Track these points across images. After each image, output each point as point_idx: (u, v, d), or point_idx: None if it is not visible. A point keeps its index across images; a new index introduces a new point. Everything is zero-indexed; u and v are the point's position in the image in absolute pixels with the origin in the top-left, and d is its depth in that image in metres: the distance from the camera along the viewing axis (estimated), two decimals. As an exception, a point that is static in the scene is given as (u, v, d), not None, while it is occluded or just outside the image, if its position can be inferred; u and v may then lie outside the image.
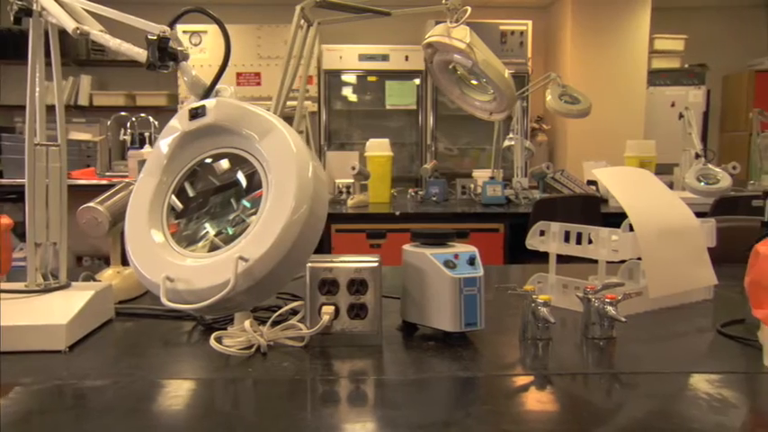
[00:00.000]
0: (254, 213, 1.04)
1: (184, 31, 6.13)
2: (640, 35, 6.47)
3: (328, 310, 1.08)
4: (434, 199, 3.98)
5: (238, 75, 6.26)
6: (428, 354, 1.08)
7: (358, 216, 3.64)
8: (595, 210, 3.47)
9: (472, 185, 4.13)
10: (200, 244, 1.09)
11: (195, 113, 1.10)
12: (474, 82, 1.65)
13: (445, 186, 4.07)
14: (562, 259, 1.38)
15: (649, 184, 1.44)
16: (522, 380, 0.98)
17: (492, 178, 4.13)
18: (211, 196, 1.15)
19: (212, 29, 6.19)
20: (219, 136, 1.11)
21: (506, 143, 4.23)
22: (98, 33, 1.14)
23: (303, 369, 1.01)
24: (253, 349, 1.07)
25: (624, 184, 1.39)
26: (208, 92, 1.10)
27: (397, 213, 3.58)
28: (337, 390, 0.94)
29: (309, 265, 1.09)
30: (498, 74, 1.50)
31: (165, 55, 1.11)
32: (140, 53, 1.11)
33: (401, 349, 1.11)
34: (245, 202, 1.09)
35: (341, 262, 1.10)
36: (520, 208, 3.73)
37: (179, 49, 1.11)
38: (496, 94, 1.57)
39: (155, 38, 1.10)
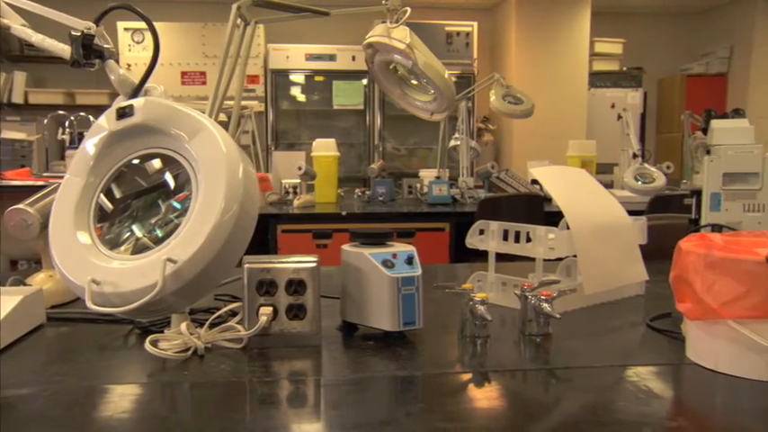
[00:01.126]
0: (184, 214, 1.03)
1: (126, 29, 5.99)
2: (581, 38, 6.63)
3: (266, 311, 1.07)
4: (381, 199, 3.99)
5: (183, 74, 6.16)
6: (367, 353, 1.08)
7: (304, 216, 3.62)
8: (539, 208, 3.53)
9: (419, 185, 4.16)
10: (124, 247, 1.07)
11: (123, 113, 1.08)
12: (414, 82, 1.66)
13: (392, 186, 4.09)
14: (507, 258, 1.41)
15: (585, 183, 1.48)
16: (459, 378, 0.99)
17: (438, 178, 4.16)
18: (139, 197, 1.13)
19: (157, 26, 6.06)
20: (148, 136, 1.09)
21: (452, 143, 4.28)
22: (19, 28, 1.10)
23: (241, 371, 1.00)
24: (189, 352, 1.05)
25: (561, 184, 1.42)
26: (136, 91, 1.08)
27: (344, 213, 3.57)
28: (276, 391, 0.94)
29: (247, 266, 1.08)
30: (438, 74, 1.51)
31: (91, 52, 1.08)
32: (65, 50, 1.08)
33: (340, 349, 1.11)
34: (175, 203, 1.08)
35: (279, 262, 1.09)
36: (466, 207, 3.77)
37: (105, 46, 1.09)
38: (437, 95, 1.59)
39: (78, 34, 1.07)
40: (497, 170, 4.14)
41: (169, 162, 1.09)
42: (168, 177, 1.10)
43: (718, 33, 7.47)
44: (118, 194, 1.11)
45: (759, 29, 6.65)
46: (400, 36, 1.48)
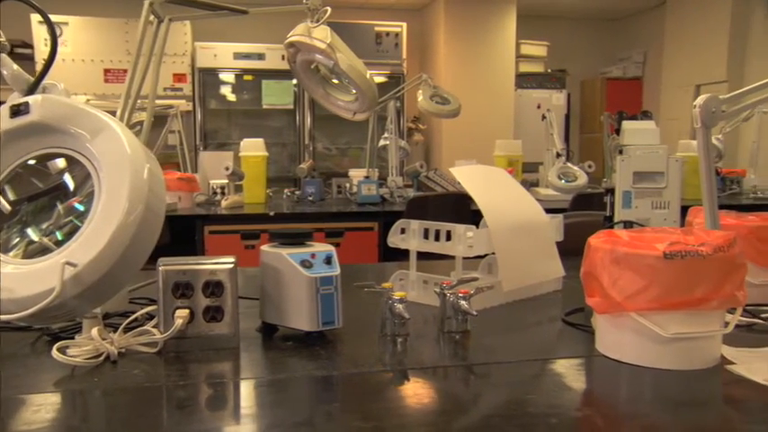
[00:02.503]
0: (85, 216, 1.00)
1: (40, 22, 5.75)
2: (508, 40, 6.77)
3: (182, 313, 1.05)
4: (310, 199, 3.97)
5: (106, 71, 5.96)
6: (286, 354, 1.08)
7: (232, 217, 3.57)
8: (466, 208, 3.59)
9: (348, 185, 4.16)
10: (13, 252, 1.02)
11: (17, 110, 1.03)
12: (336, 81, 1.66)
13: (321, 186, 4.08)
14: (436, 257, 1.42)
15: (503, 182, 1.51)
16: (378, 376, 1.00)
17: (367, 177, 4.17)
18: (33, 200, 1.08)
19: (75, 20, 5.85)
20: (46, 135, 1.04)
21: (381, 143, 4.30)
22: None
23: (156, 375, 0.98)
24: (101, 358, 1.02)
25: (480, 183, 1.45)
26: (33, 87, 1.04)
27: (272, 214, 3.54)
28: (192, 395, 0.92)
29: (162, 268, 1.06)
30: (359, 74, 1.52)
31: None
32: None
33: (259, 351, 1.10)
34: (77, 205, 1.04)
35: (196, 264, 1.08)
36: (395, 206, 3.80)
37: (-1, 40, 1.04)
38: (358, 94, 1.59)
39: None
40: (426, 169, 4.19)
41: (70, 162, 1.05)
42: (67, 178, 1.06)
43: (633, 39, 7.79)
44: (12, 197, 1.06)
45: (668, 36, 6.96)
46: (321, 35, 1.48)
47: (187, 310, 1.06)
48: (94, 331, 1.03)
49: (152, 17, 1.20)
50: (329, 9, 1.48)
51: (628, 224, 1.48)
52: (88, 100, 4.56)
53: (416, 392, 0.93)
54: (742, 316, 1.15)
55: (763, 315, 1.24)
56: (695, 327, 0.97)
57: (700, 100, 1.20)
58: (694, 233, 1.02)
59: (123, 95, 1.17)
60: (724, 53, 6.17)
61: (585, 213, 2.40)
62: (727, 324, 1.01)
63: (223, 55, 6.19)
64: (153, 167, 1.01)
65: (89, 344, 1.02)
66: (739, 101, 1.19)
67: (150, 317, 1.17)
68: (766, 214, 1.43)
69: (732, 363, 1.00)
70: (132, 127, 1.19)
